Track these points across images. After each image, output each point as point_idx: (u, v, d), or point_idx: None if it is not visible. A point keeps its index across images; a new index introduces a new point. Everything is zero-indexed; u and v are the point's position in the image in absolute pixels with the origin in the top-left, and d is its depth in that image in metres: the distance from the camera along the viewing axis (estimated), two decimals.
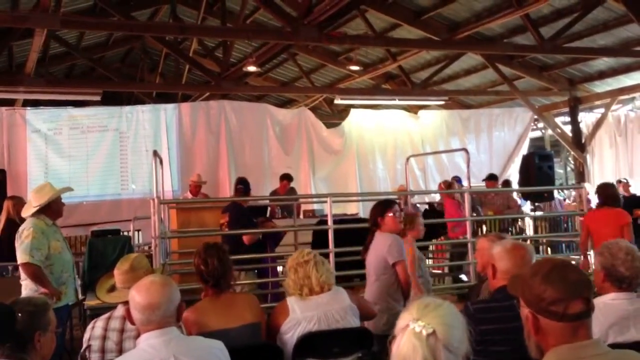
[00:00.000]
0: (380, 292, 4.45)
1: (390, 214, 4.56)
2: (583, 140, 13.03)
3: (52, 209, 4.99)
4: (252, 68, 10.86)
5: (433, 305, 1.69)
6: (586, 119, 13.34)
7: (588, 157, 13.04)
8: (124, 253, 6.45)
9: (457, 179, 10.23)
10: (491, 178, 10.39)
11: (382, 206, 4.68)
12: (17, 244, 4.81)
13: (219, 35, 11.02)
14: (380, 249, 4.49)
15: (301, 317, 3.34)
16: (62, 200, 5.21)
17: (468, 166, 8.40)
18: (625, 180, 11.04)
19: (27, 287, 4.77)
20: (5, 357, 2.43)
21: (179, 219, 7.68)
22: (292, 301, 3.41)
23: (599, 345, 1.86)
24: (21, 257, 4.72)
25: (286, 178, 9.90)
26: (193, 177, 9.51)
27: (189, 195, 9.31)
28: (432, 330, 1.63)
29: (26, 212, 5.02)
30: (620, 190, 10.91)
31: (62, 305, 4.77)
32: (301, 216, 9.53)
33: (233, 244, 5.89)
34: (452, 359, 1.63)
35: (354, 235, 5.72)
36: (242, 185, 7.10)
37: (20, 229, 4.90)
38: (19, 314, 2.49)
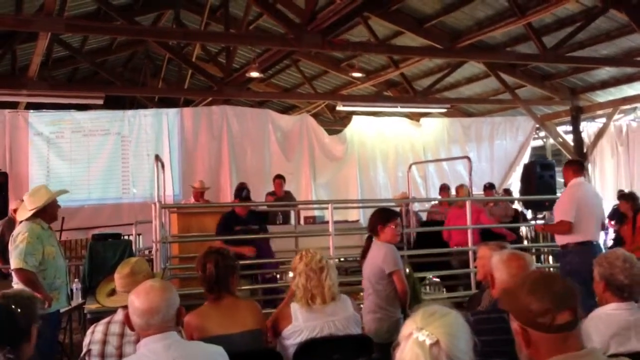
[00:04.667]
0: (380, 301, 4.44)
1: (392, 226, 4.53)
2: (585, 150, 13.03)
3: (47, 212, 4.92)
4: (254, 74, 10.87)
5: (439, 314, 1.68)
6: (588, 129, 13.33)
7: (589, 166, 13.03)
8: (124, 257, 6.44)
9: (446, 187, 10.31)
10: (489, 187, 10.40)
11: (385, 215, 4.64)
12: (10, 248, 4.74)
13: (222, 40, 11.03)
14: (376, 259, 4.48)
15: (303, 326, 3.32)
16: (64, 204, 5.16)
17: (470, 174, 8.43)
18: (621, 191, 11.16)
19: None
20: None
21: (180, 224, 7.70)
22: (295, 308, 3.38)
23: (596, 355, 1.86)
24: (15, 262, 4.64)
25: (278, 177, 9.92)
26: (196, 183, 9.50)
27: (192, 201, 9.30)
28: (436, 339, 1.61)
29: (21, 215, 4.93)
30: None
31: (53, 310, 4.71)
32: (302, 222, 9.52)
33: None
34: None
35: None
36: (238, 191, 7.19)
37: (15, 232, 4.81)
38: (18, 309, 2.48)
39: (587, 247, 5.69)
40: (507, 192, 11.99)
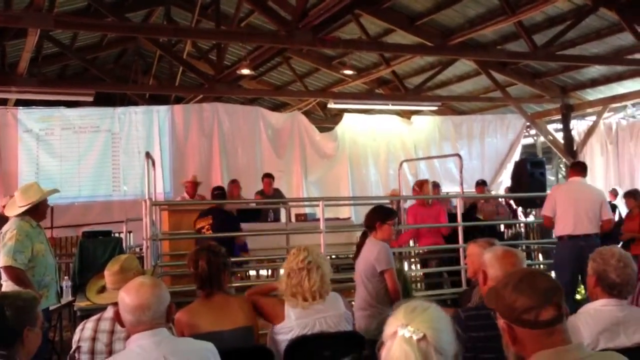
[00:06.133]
0: (370, 298, 4.48)
1: (390, 224, 4.60)
2: (575, 148, 13.09)
3: (38, 210, 4.89)
4: (246, 71, 10.85)
5: (420, 309, 1.69)
6: (578, 127, 13.41)
7: None
8: (114, 254, 6.40)
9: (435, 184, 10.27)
10: (481, 184, 10.42)
11: (385, 213, 4.71)
12: None
13: (212, 37, 11.00)
14: (369, 255, 4.52)
15: (295, 324, 3.34)
16: (54, 201, 5.13)
17: (461, 172, 8.42)
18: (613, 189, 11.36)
19: (8, 288, 4.64)
20: None
21: (171, 221, 7.68)
22: (287, 306, 3.39)
23: (582, 349, 1.89)
24: (3, 259, 4.60)
25: (267, 176, 9.94)
26: (190, 178, 9.44)
27: (187, 197, 9.25)
28: (422, 334, 1.62)
29: (11, 211, 4.89)
30: (611, 199, 11.11)
31: (42, 308, 4.66)
32: (293, 219, 9.53)
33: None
34: None
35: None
36: (220, 191, 7.59)
37: (4, 229, 4.77)
38: (8, 310, 2.46)
39: (562, 241, 6.20)
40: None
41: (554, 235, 6.38)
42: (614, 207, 9.54)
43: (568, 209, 6.17)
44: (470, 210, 8.80)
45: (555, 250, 6.43)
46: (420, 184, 8.09)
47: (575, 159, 12.88)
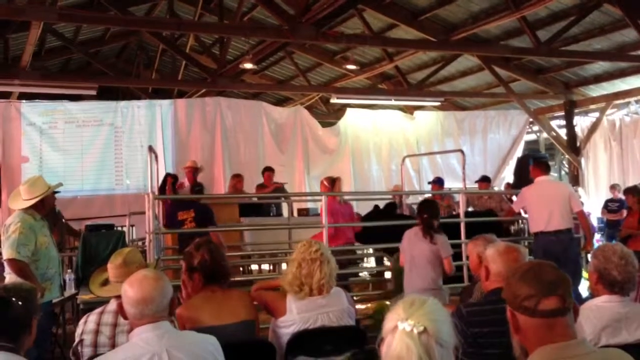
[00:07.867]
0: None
1: None
2: (578, 144, 13.09)
3: (43, 204, 4.90)
4: (248, 65, 10.85)
5: (418, 303, 1.69)
6: (581, 123, 13.39)
7: (582, 160, 13.09)
8: (117, 248, 6.41)
9: (438, 180, 10.22)
10: (484, 180, 10.40)
11: None
12: (3, 238, 4.71)
13: (215, 32, 11.00)
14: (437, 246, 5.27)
15: (297, 317, 3.33)
16: (57, 194, 5.13)
17: (464, 167, 8.42)
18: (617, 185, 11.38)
19: (11, 281, 4.65)
20: None
21: None
22: (290, 300, 3.39)
23: (585, 345, 1.89)
24: (7, 252, 4.62)
25: (268, 170, 9.91)
26: (188, 162, 9.34)
27: (186, 183, 9.19)
28: (423, 327, 1.62)
29: (15, 204, 4.89)
30: (616, 195, 11.13)
31: (45, 301, 4.67)
32: (295, 214, 9.53)
33: None
34: (445, 353, 1.64)
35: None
36: (200, 187, 7.93)
37: (7, 222, 4.78)
38: (18, 302, 2.49)
39: (536, 237, 6.67)
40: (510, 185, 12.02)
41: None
42: (622, 204, 9.56)
43: (542, 209, 6.53)
44: (389, 207, 8.80)
45: (533, 246, 6.84)
46: (333, 181, 7.60)
47: (578, 156, 12.90)
